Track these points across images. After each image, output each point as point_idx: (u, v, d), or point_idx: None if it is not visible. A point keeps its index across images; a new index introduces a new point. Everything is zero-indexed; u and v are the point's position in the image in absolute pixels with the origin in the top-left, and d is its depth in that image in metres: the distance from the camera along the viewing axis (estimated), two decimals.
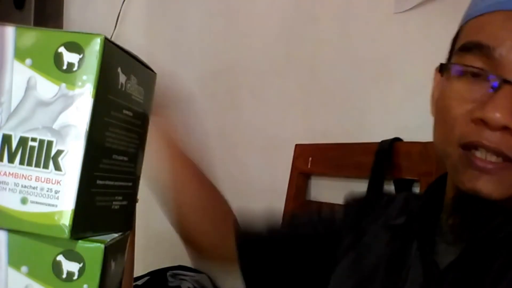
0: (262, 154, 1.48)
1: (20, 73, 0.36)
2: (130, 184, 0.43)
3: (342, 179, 1.28)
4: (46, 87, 0.36)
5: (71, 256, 0.36)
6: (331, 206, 0.84)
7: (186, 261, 1.16)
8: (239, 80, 1.55)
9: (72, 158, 0.35)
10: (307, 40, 1.39)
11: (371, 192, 1.08)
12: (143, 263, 1.39)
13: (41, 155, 0.36)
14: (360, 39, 1.26)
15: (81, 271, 0.36)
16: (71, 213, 0.35)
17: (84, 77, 0.35)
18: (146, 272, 1.37)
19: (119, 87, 0.38)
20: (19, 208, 0.35)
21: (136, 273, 1.30)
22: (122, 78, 0.39)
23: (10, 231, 0.36)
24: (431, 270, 0.58)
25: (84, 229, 0.36)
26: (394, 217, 0.67)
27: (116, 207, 0.41)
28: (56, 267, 0.36)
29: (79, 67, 0.36)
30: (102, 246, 0.36)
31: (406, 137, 1.11)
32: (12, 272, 0.36)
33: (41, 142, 0.36)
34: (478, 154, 0.51)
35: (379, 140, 1.12)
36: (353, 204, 0.74)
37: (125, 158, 0.41)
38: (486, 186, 0.51)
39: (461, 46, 0.55)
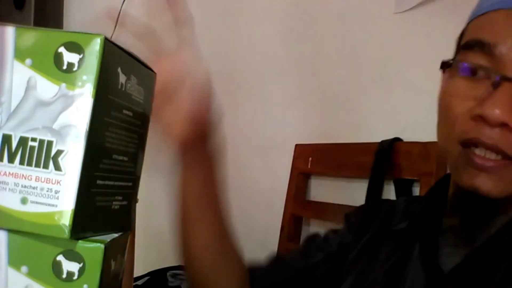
0: (262, 154, 1.48)
1: (20, 73, 0.36)
2: (130, 184, 0.43)
3: (342, 179, 1.28)
4: (46, 87, 0.36)
5: (71, 256, 0.36)
6: (334, 223, 0.80)
7: None
8: (239, 80, 1.55)
9: (72, 158, 0.35)
10: (307, 40, 1.39)
11: (370, 202, 1.07)
12: (143, 263, 1.39)
13: (41, 155, 0.35)
14: (360, 39, 1.26)
15: (81, 271, 0.36)
16: (71, 213, 0.35)
17: (84, 77, 0.35)
18: (146, 272, 1.37)
19: (119, 87, 0.38)
20: (19, 208, 0.35)
21: (136, 273, 1.30)
22: (122, 78, 0.39)
23: (10, 231, 0.36)
24: (434, 274, 0.57)
25: (84, 229, 0.36)
26: (397, 222, 0.66)
27: (116, 207, 0.41)
28: (56, 267, 0.36)
29: (79, 67, 0.36)
30: (102, 246, 0.36)
31: (406, 137, 1.11)
32: (12, 272, 0.36)
33: (41, 142, 0.36)
34: (478, 151, 0.51)
35: (379, 140, 1.12)
36: (354, 218, 0.73)
37: (125, 158, 0.41)
38: (485, 183, 0.51)
39: (464, 44, 0.55)
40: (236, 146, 1.56)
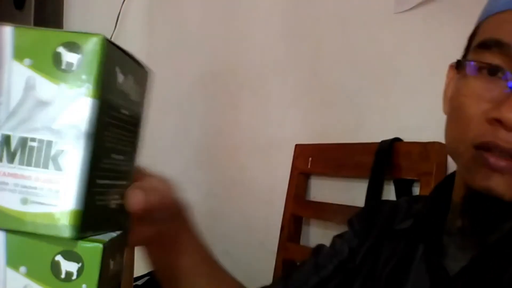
0: (262, 154, 1.48)
1: (19, 73, 0.36)
2: (126, 182, 0.43)
3: (342, 179, 1.27)
4: (45, 87, 0.36)
5: (70, 256, 0.36)
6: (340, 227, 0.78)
7: None
8: (239, 80, 1.55)
9: (72, 158, 0.35)
10: (307, 40, 1.39)
11: (370, 203, 1.07)
12: (143, 263, 1.39)
13: (41, 155, 0.35)
14: (360, 39, 1.26)
15: (79, 271, 0.36)
16: (71, 213, 0.35)
17: (83, 77, 0.35)
18: (146, 272, 1.37)
19: (118, 86, 0.38)
20: (20, 208, 0.35)
21: (136, 273, 1.30)
22: (120, 78, 0.39)
23: (8, 231, 0.36)
24: (439, 276, 0.55)
25: (84, 229, 0.36)
26: (400, 222, 0.65)
27: (114, 206, 0.41)
28: (55, 267, 0.36)
29: (78, 67, 0.36)
30: (101, 245, 0.36)
31: (406, 137, 1.11)
32: (10, 272, 0.36)
33: (41, 142, 0.36)
34: (492, 153, 0.50)
35: (379, 140, 1.12)
36: (357, 222, 0.71)
37: (123, 157, 0.41)
38: (499, 185, 0.50)
39: (479, 43, 0.53)
40: (236, 146, 1.56)
